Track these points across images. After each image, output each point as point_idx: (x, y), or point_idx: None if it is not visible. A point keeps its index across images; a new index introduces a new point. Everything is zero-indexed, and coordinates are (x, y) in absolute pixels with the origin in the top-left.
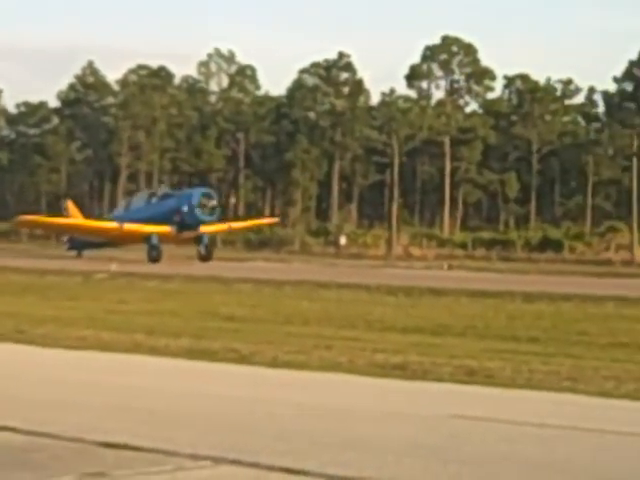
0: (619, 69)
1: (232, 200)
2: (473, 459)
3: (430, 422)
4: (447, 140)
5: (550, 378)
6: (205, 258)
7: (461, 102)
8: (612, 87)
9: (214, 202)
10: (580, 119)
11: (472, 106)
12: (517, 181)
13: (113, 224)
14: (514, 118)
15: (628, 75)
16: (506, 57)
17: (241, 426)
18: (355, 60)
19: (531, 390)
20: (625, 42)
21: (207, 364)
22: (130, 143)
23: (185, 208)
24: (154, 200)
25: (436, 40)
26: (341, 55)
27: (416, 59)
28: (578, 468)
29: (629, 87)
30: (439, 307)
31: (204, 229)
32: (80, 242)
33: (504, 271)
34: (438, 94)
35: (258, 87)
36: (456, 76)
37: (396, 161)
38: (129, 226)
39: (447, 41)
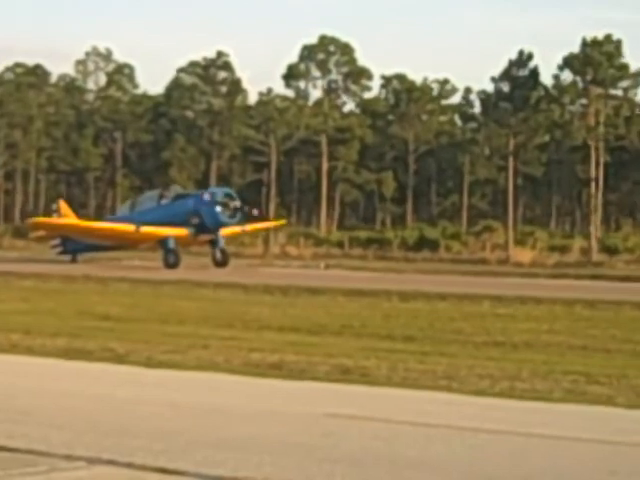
0: (496, 70)
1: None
2: (347, 458)
3: (305, 421)
4: (324, 139)
5: (426, 377)
6: (222, 263)
7: (338, 102)
8: (489, 87)
9: (237, 203)
10: (457, 119)
11: (349, 106)
12: (394, 180)
13: (130, 226)
14: (391, 118)
15: (505, 75)
16: (383, 57)
17: (117, 426)
18: (233, 59)
19: (406, 389)
20: (501, 42)
21: (83, 364)
22: (6, 141)
23: (205, 209)
24: (165, 201)
25: (313, 40)
26: (219, 54)
27: (294, 59)
28: (452, 467)
29: (506, 87)
30: (316, 306)
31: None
32: (77, 245)
33: (380, 270)
34: (315, 94)
35: (136, 86)
36: (333, 76)
37: (273, 160)
38: (146, 229)
39: (324, 41)
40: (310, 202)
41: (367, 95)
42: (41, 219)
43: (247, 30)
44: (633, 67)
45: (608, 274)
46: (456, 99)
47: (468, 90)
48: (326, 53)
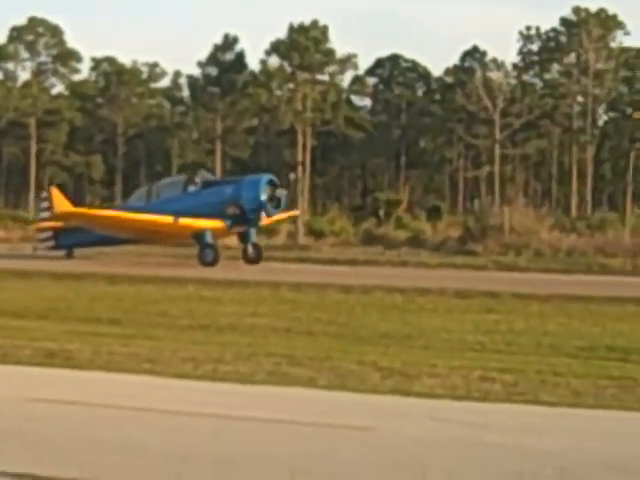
0: (203, 54)
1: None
2: (51, 442)
3: (7, 405)
4: (33, 122)
5: (129, 360)
6: (255, 259)
7: (47, 84)
8: (197, 72)
9: (283, 191)
10: (166, 102)
11: (58, 88)
12: (103, 163)
13: (168, 218)
14: (100, 100)
15: (212, 59)
16: (94, 39)
17: None
18: None
19: (110, 372)
20: (210, 27)
21: None
22: None
23: (247, 198)
24: (193, 188)
25: (22, 21)
26: None
27: (2, 40)
28: (148, 448)
29: (214, 72)
30: (22, 289)
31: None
32: (80, 238)
33: (90, 254)
34: (24, 75)
35: None
36: (42, 58)
37: None
38: (184, 221)
39: (33, 22)
40: (19, 185)
41: (77, 77)
42: (74, 209)
43: None
44: (339, 53)
45: (314, 257)
46: (165, 82)
47: (177, 74)
48: (35, 34)
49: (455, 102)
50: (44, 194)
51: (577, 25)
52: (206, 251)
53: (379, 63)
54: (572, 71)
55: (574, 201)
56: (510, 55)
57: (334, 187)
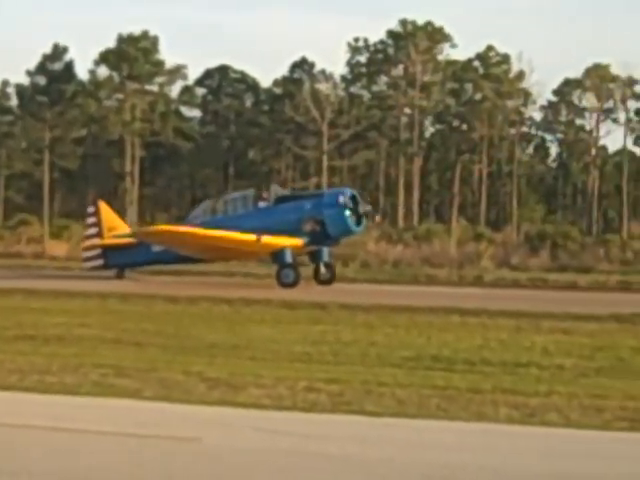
0: (32, 63)
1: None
2: None
3: None
4: None
5: None
6: (329, 280)
7: None
8: (26, 80)
9: (368, 208)
10: None
11: None
12: None
13: (250, 236)
14: None
15: (41, 69)
16: None
17: None
18: None
19: None
20: (40, 36)
21: None
22: None
23: (331, 214)
24: (263, 204)
25: None
26: None
27: None
28: None
29: (42, 81)
30: None
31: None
32: (129, 257)
33: None
34: None
35: None
36: None
37: None
38: (266, 239)
39: None
40: None
41: None
42: (167, 227)
43: None
44: (169, 63)
45: (143, 269)
46: None
47: (5, 83)
48: None
49: (284, 113)
50: (91, 209)
51: (404, 37)
52: (286, 271)
53: (208, 74)
54: (399, 83)
55: (401, 212)
56: (339, 67)
57: (163, 198)
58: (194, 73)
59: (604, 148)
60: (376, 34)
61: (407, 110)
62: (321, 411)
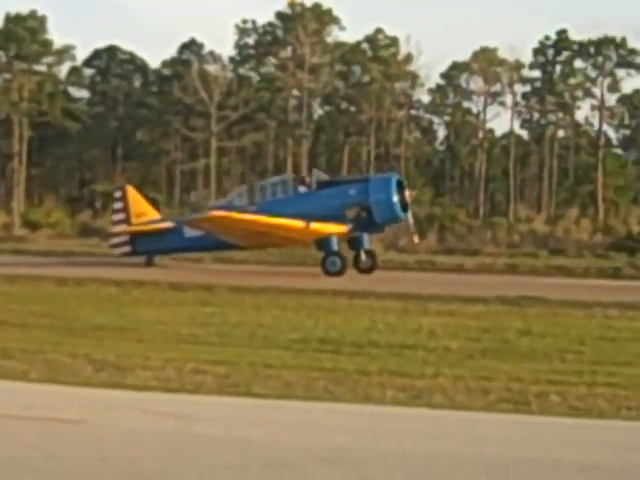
0: None
1: None
2: None
3: None
4: None
5: None
6: (370, 268)
7: None
8: None
9: (412, 193)
10: None
11: None
12: None
13: (299, 222)
14: None
15: None
16: None
17: None
18: None
19: None
20: None
21: None
22: None
23: (378, 200)
24: (304, 189)
25: None
26: None
27: None
28: None
29: None
30: None
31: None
32: (158, 243)
33: None
34: None
35: None
36: None
37: None
38: (314, 225)
39: None
40: None
41: None
42: (222, 214)
43: None
44: (57, 44)
45: (30, 249)
46: None
47: None
48: None
49: (172, 94)
50: (117, 193)
51: (293, 19)
52: (332, 259)
53: (96, 54)
54: (288, 65)
55: None
56: (227, 48)
57: (51, 178)
58: (82, 54)
59: (491, 131)
60: (265, 16)
61: (295, 92)
62: (208, 393)
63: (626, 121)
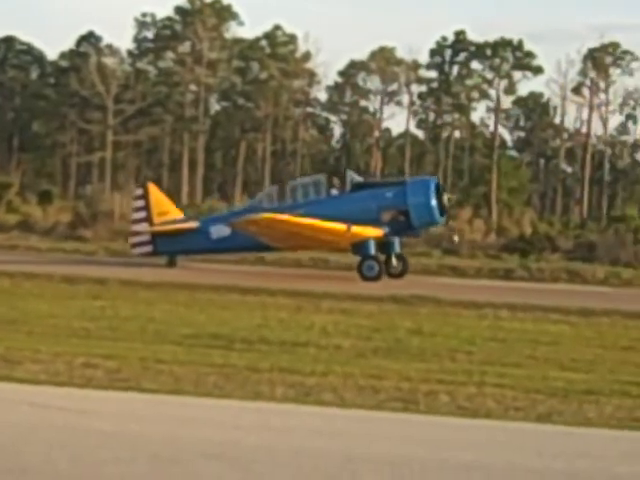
0: None
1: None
2: None
3: None
4: None
5: None
6: (401, 272)
7: None
8: None
9: (451, 197)
10: None
11: None
12: None
13: (340, 225)
14: None
15: None
16: None
17: None
18: None
19: None
20: None
21: None
22: None
23: (416, 204)
24: (335, 191)
25: None
26: None
27: None
28: None
29: None
30: None
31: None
32: (183, 244)
33: None
34: None
35: None
36: None
37: None
38: (355, 229)
39: None
40: None
41: None
42: (271, 216)
43: None
44: None
45: None
46: None
47: None
48: None
49: (69, 86)
50: (139, 191)
51: (192, 14)
52: (370, 263)
53: None
54: (186, 60)
55: (185, 189)
56: (126, 42)
57: None
58: None
59: (388, 130)
60: (164, 10)
61: (193, 87)
62: (97, 387)
63: (521, 123)
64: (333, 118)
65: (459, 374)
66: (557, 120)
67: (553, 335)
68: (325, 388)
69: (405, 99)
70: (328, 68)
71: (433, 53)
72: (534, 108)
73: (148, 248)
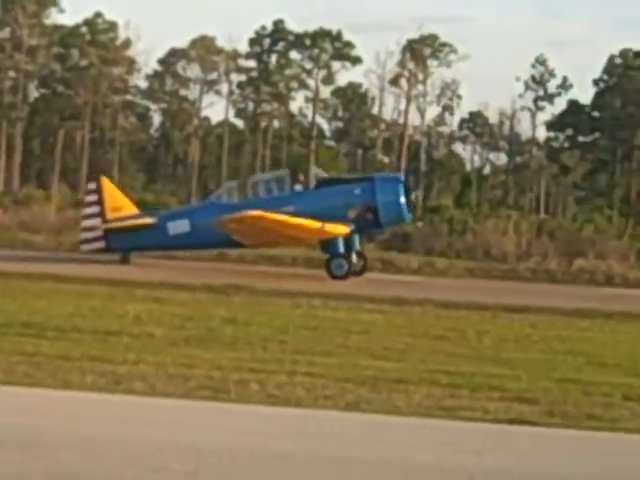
0: None
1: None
2: None
3: None
4: None
5: None
6: (361, 270)
7: None
8: None
9: (417, 194)
10: None
11: None
12: None
13: (315, 222)
14: None
15: None
16: None
17: None
18: None
19: None
20: None
21: None
22: None
23: (384, 201)
24: (299, 187)
25: None
26: None
27: None
28: None
29: None
30: None
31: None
32: (137, 239)
33: None
34: None
35: None
36: None
37: None
38: (329, 226)
39: None
40: None
41: None
42: (257, 213)
43: None
44: None
45: None
46: None
47: None
48: None
49: None
50: (91, 185)
51: (12, 0)
52: (339, 262)
53: None
54: (5, 46)
55: (2, 176)
56: None
57: None
58: None
59: (207, 119)
60: None
61: (12, 73)
62: None
63: (339, 113)
64: (153, 106)
65: (270, 363)
66: (375, 110)
67: (366, 324)
68: (136, 377)
69: (224, 88)
70: (149, 56)
71: (252, 42)
72: (352, 98)
73: (100, 244)
